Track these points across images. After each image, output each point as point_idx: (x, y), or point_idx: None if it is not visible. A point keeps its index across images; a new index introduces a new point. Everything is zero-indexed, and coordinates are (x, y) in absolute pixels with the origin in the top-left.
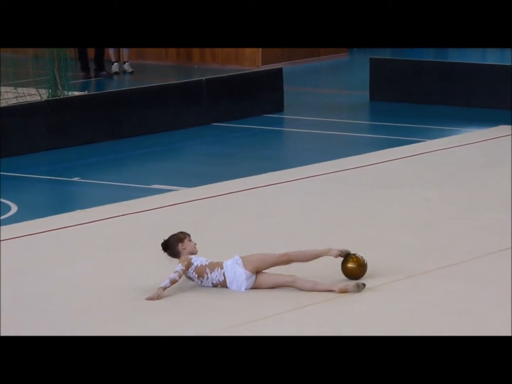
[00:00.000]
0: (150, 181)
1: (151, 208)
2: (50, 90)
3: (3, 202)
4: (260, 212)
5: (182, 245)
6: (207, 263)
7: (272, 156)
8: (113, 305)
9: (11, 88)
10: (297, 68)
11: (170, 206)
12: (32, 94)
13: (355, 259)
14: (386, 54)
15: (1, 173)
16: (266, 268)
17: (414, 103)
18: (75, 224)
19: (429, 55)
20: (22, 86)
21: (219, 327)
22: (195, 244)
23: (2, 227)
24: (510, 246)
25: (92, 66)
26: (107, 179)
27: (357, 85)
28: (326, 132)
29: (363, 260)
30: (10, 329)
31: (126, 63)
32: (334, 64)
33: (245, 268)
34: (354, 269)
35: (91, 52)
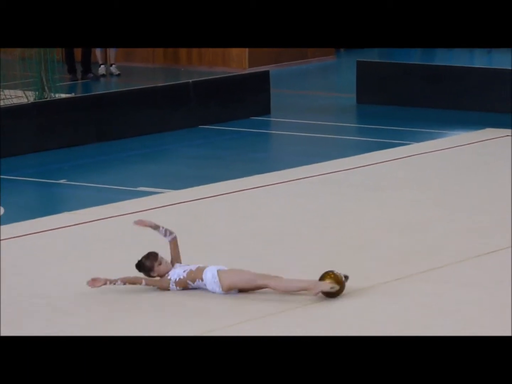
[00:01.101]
0: (137, 183)
1: (138, 211)
2: (37, 92)
3: None
4: (247, 214)
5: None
6: (185, 274)
7: (259, 159)
8: (100, 306)
9: None
10: (284, 71)
11: (157, 209)
12: (19, 96)
13: (332, 275)
14: (373, 57)
15: None
16: (240, 287)
17: (401, 105)
18: (63, 226)
19: (416, 57)
20: (9, 88)
21: (212, 328)
22: (166, 261)
23: None
24: (498, 248)
25: (79, 68)
26: (94, 181)
27: (344, 87)
28: (313, 134)
29: (341, 277)
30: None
31: (113, 65)
32: (321, 66)
33: (222, 288)
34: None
35: (78, 54)
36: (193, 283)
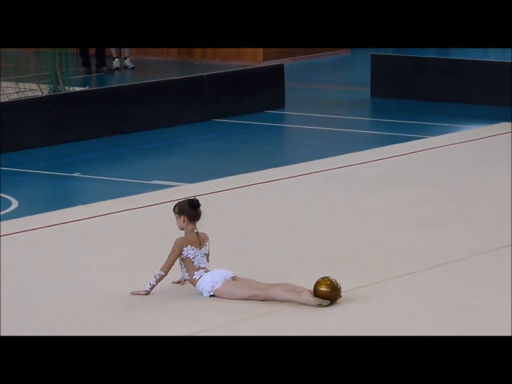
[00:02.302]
0: (151, 176)
1: (151, 204)
2: (51, 86)
3: (3, 197)
4: (260, 208)
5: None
6: (195, 261)
7: (273, 153)
8: (109, 302)
9: (12, 83)
10: (298, 64)
11: (171, 202)
12: (33, 89)
13: (328, 282)
14: (387, 50)
15: (2, 168)
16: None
17: (415, 99)
18: (76, 219)
19: (430, 51)
20: (23, 81)
21: (209, 326)
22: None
23: (2, 222)
24: (511, 244)
25: (93, 61)
26: (108, 174)
27: (358, 81)
28: (327, 128)
29: (337, 283)
30: (11, 326)
31: (127, 59)
32: (335, 60)
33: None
34: (326, 292)
35: (92, 47)
36: (185, 272)
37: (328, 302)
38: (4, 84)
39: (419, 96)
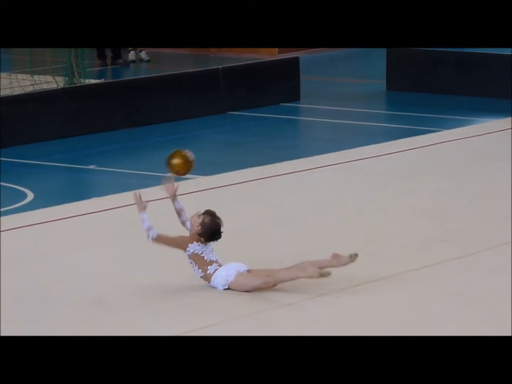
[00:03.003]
0: (166, 169)
1: (167, 197)
2: (67, 78)
3: (19, 190)
4: (275, 200)
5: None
6: (204, 256)
7: (288, 145)
8: (119, 297)
9: (28, 75)
10: (314, 57)
11: (186, 195)
12: (49, 82)
13: (182, 154)
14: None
15: (17, 160)
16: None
17: (430, 93)
18: (91, 211)
19: None
20: (38, 74)
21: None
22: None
23: (17, 214)
24: None
25: (108, 54)
26: (123, 167)
27: (374, 74)
28: (342, 121)
29: (190, 156)
30: (21, 318)
31: (143, 51)
32: (351, 53)
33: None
34: (180, 164)
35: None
36: (198, 269)
37: (329, 273)
38: (19, 76)
39: (435, 89)
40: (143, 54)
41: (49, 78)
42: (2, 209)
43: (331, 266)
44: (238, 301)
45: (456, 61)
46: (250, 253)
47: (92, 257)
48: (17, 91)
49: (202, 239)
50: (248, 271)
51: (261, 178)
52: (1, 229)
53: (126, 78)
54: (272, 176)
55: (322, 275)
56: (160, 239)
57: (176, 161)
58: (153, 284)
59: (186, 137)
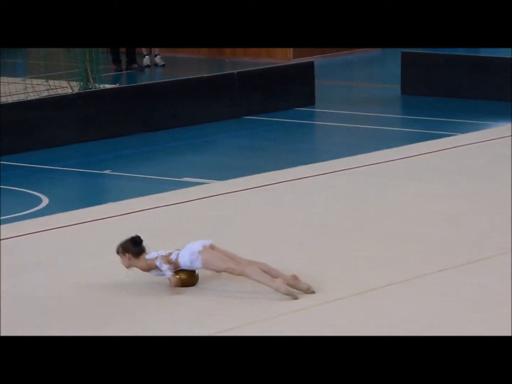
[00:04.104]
0: (181, 174)
1: (182, 201)
2: (82, 83)
3: (34, 195)
4: (291, 205)
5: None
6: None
7: (303, 150)
8: (135, 299)
9: (43, 80)
10: (329, 62)
11: (201, 199)
12: (64, 87)
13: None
14: (418, 47)
15: (33, 165)
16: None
17: (446, 97)
18: (107, 216)
19: (461, 48)
20: (53, 79)
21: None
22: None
23: (33, 219)
24: None
25: (123, 59)
26: (138, 171)
27: (389, 78)
28: (358, 125)
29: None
30: (37, 321)
31: (158, 56)
32: (366, 57)
33: (202, 264)
34: (185, 279)
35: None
36: (162, 268)
37: (298, 297)
38: (34, 81)
39: (450, 93)
40: (158, 59)
41: (63, 83)
42: (17, 214)
43: (270, 284)
44: (256, 304)
45: (470, 65)
46: (265, 257)
47: (107, 262)
48: (32, 96)
49: (141, 254)
50: (211, 246)
51: (276, 183)
52: (16, 235)
53: (141, 83)
54: (288, 181)
55: (288, 293)
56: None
57: (182, 277)
58: (167, 286)
59: (201, 141)
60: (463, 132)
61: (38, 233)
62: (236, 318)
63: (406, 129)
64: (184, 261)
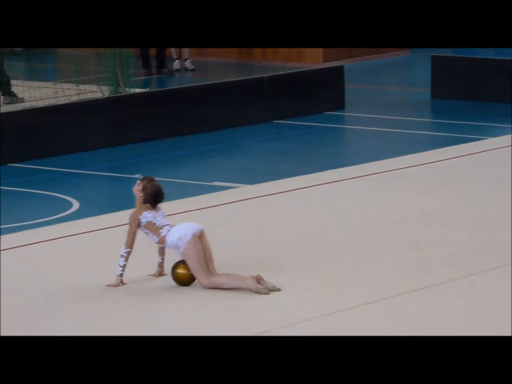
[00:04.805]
0: (211, 178)
1: (212, 205)
2: (112, 87)
3: (64, 199)
4: (320, 209)
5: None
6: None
7: (333, 153)
8: (166, 301)
9: (73, 84)
10: (358, 66)
11: (232, 203)
12: (94, 91)
13: (184, 265)
14: (448, 51)
15: (63, 169)
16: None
17: (476, 100)
18: None
19: (490, 52)
20: (83, 83)
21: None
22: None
23: (63, 223)
24: None
25: (153, 63)
26: (168, 176)
27: (419, 82)
28: (387, 129)
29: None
30: (69, 319)
31: (188, 60)
32: (395, 61)
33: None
34: (183, 274)
35: (152, 49)
36: (152, 236)
37: (268, 292)
38: (65, 85)
39: (480, 96)
40: (188, 63)
41: (94, 87)
42: (48, 219)
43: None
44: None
45: (500, 68)
46: (296, 260)
47: (137, 266)
48: (62, 100)
49: (148, 205)
50: (201, 232)
51: (306, 187)
52: (46, 238)
53: (171, 87)
54: (317, 185)
55: (258, 291)
56: (129, 243)
57: (180, 271)
58: (196, 289)
59: (231, 145)
60: (493, 136)
61: (68, 237)
62: (267, 322)
63: (436, 133)
64: (171, 241)
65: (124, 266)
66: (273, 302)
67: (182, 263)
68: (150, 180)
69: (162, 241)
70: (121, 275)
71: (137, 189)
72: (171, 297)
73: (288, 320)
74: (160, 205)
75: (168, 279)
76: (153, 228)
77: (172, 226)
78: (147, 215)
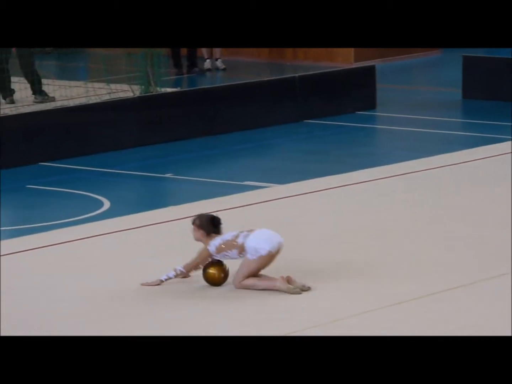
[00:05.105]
0: (243, 177)
1: (244, 205)
2: (143, 87)
3: (95, 198)
4: (352, 209)
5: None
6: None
7: (364, 153)
8: (193, 301)
9: (104, 84)
10: (389, 66)
11: (262, 203)
12: (125, 90)
13: (218, 267)
14: (479, 51)
15: (94, 168)
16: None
17: (507, 100)
18: (168, 220)
19: None
20: (115, 82)
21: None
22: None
23: (94, 223)
24: None
25: (184, 62)
26: (199, 175)
27: (450, 82)
28: (418, 129)
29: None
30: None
31: (219, 60)
32: (426, 61)
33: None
34: (214, 275)
35: (183, 49)
36: (229, 252)
37: (300, 291)
38: (96, 85)
39: (511, 97)
40: (219, 63)
41: (125, 86)
42: (79, 218)
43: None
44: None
45: None
46: (327, 260)
47: (167, 265)
48: (93, 99)
49: (212, 234)
50: (277, 251)
51: (337, 187)
52: (77, 238)
53: (202, 87)
54: (348, 185)
55: (289, 291)
56: (188, 267)
57: (211, 271)
58: (228, 289)
59: (262, 145)
60: None
61: (99, 236)
62: (299, 321)
63: (467, 133)
64: (252, 245)
65: (169, 278)
66: (303, 302)
67: (215, 264)
68: (198, 216)
69: (242, 250)
70: (162, 282)
71: (195, 231)
72: (201, 296)
73: (319, 320)
74: (192, 204)
75: (198, 281)
76: (227, 245)
77: (248, 230)
78: (214, 242)
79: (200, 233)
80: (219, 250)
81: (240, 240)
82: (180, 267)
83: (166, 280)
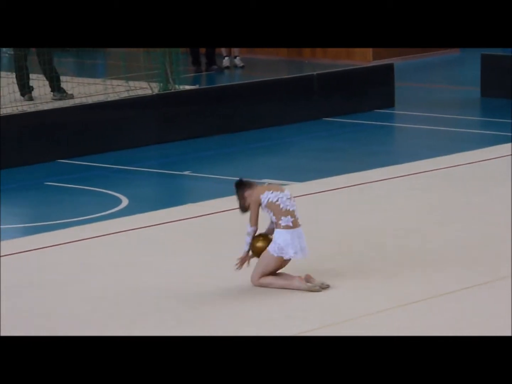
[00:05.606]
0: (260, 175)
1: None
2: (161, 84)
3: (114, 195)
4: (369, 207)
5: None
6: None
7: (382, 152)
8: (212, 299)
9: (122, 81)
10: (408, 64)
11: None
12: (144, 88)
13: (264, 238)
14: (498, 50)
15: (112, 166)
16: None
17: None
18: (186, 217)
19: None
20: (133, 80)
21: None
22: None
23: (112, 220)
24: None
25: (203, 60)
26: (218, 173)
27: (468, 81)
28: (437, 128)
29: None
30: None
31: (237, 58)
32: (445, 59)
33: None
34: (263, 248)
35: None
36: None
37: (319, 289)
38: (114, 82)
39: None
40: (238, 60)
41: (143, 84)
42: (97, 215)
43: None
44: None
45: None
46: (344, 259)
47: (187, 263)
48: (112, 97)
49: (266, 185)
50: (291, 259)
51: (355, 185)
52: (95, 235)
53: (220, 84)
54: (366, 183)
55: (309, 289)
56: (253, 222)
57: (260, 244)
58: (246, 288)
59: (280, 143)
60: None
61: (117, 233)
62: (316, 320)
63: (486, 132)
64: (280, 242)
65: (249, 244)
66: (322, 300)
67: (262, 237)
68: (234, 186)
69: (271, 231)
70: (248, 251)
71: (243, 199)
72: (220, 295)
73: (337, 318)
74: (210, 202)
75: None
76: (276, 209)
77: (293, 221)
78: (269, 195)
79: (247, 193)
80: (269, 205)
81: (282, 222)
82: (249, 228)
83: (248, 248)
